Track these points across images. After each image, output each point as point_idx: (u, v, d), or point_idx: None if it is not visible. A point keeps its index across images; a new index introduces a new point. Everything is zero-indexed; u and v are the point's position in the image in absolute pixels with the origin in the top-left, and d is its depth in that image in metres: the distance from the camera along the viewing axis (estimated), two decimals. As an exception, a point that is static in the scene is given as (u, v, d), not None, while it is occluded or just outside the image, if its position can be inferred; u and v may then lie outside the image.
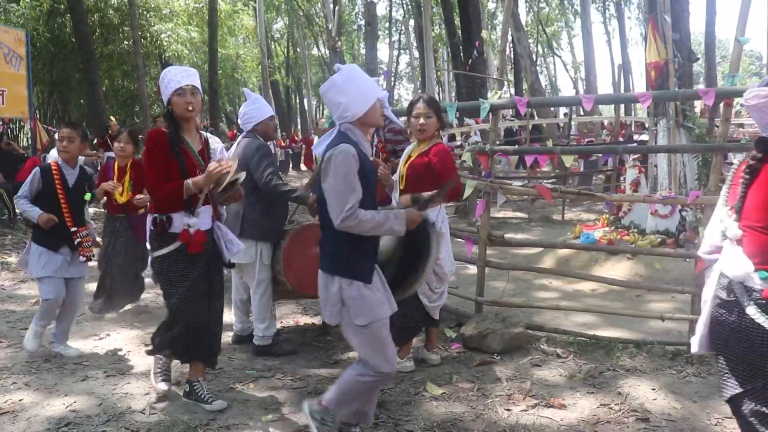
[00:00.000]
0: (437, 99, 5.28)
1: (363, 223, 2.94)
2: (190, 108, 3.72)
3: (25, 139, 19.02)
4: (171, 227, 3.70)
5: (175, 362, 4.21)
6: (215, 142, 4.08)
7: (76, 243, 4.72)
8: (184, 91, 3.68)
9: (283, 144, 24.50)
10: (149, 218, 3.81)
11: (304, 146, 23.93)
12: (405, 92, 55.07)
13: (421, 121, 4.40)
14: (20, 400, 3.99)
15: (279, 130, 18.04)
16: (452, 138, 13.82)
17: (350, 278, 3.06)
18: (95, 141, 15.56)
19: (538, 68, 31.66)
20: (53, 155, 11.99)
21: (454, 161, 4.57)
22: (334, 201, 2.96)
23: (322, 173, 3.02)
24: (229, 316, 5.36)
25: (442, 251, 4.54)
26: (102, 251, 5.79)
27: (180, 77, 3.70)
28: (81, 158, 5.60)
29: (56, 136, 5.23)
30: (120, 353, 4.91)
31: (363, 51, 34.23)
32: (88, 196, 4.90)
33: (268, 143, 5.07)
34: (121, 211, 5.77)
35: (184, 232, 3.69)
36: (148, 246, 3.89)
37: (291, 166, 25.00)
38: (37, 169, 4.71)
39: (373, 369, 3.13)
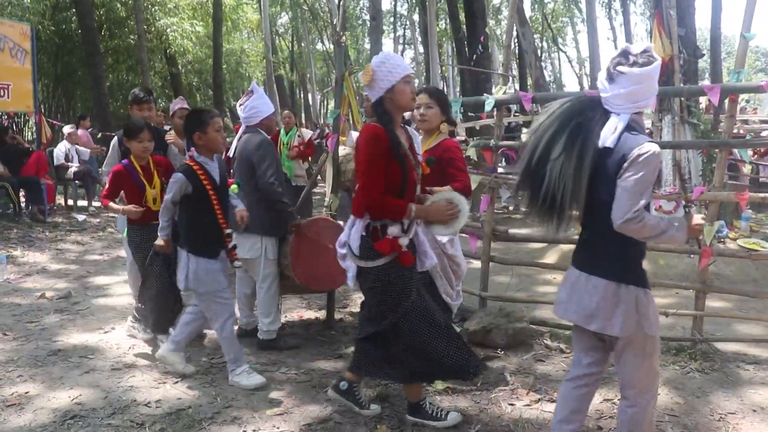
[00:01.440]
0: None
1: (647, 228, 2.60)
2: (414, 98, 3.45)
3: (30, 134, 19.06)
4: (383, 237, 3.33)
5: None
6: (416, 136, 3.72)
7: (231, 247, 4.29)
8: (411, 79, 3.37)
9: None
10: (358, 223, 3.37)
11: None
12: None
13: (422, 111, 4.34)
14: (26, 393, 4.02)
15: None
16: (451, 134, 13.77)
17: (642, 287, 2.76)
18: (99, 135, 15.61)
19: (543, 63, 31.61)
20: (60, 149, 12.12)
21: (464, 158, 4.54)
22: (624, 199, 2.60)
23: (627, 166, 2.62)
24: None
25: (457, 249, 4.56)
26: (141, 269, 4.81)
27: (405, 64, 3.36)
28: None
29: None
30: (125, 346, 4.93)
31: (368, 46, 34.23)
32: (234, 188, 4.50)
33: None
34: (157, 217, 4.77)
35: (383, 242, 3.29)
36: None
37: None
38: (179, 175, 4.12)
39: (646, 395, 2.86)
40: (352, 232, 3.40)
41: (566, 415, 2.97)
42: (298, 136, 8.72)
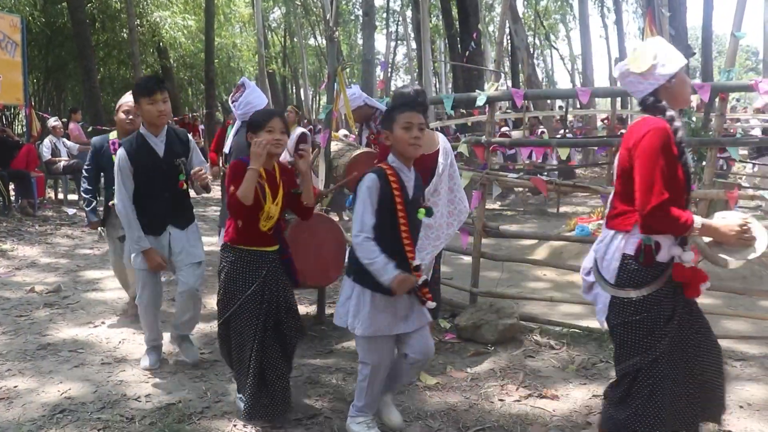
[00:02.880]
0: (431, 91, 5.20)
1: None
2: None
3: (19, 127, 18.95)
4: (657, 256, 2.73)
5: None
6: None
7: (420, 282, 3.20)
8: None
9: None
10: (619, 239, 2.79)
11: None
12: (402, 84, 54.98)
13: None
14: (15, 387, 4.00)
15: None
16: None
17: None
18: (90, 129, 15.52)
19: (535, 61, 31.63)
20: (47, 144, 12.01)
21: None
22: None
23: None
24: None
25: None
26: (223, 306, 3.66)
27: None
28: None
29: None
30: (115, 341, 4.92)
31: (360, 41, 34.17)
32: (422, 213, 3.27)
33: None
34: (274, 240, 3.67)
35: (678, 267, 2.74)
36: None
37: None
38: (372, 175, 3.13)
39: None
40: (607, 252, 2.84)
41: None
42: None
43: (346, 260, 3.29)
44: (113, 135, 5.20)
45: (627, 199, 2.75)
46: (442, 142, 4.49)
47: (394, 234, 3.15)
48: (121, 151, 4.07)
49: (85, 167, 5.27)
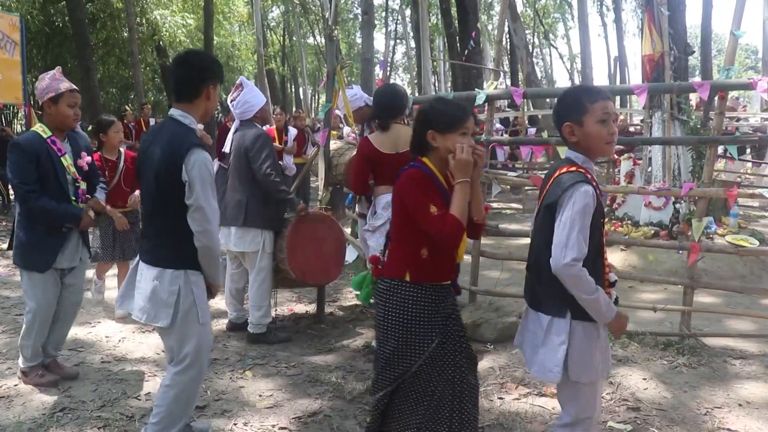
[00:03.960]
0: (430, 90, 5.19)
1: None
2: None
3: (19, 126, 18.93)
4: None
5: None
6: None
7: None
8: None
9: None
10: None
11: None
12: (401, 82, 54.96)
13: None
14: (15, 386, 4.01)
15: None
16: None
17: None
18: (89, 128, 15.51)
19: (534, 59, 31.61)
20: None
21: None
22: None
23: None
24: (222, 304, 5.40)
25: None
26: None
27: None
28: None
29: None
30: (115, 339, 4.92)
31: (359, 40, 34.15)
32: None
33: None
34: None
35: None
36: None
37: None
38: (589, 187, 2.46)
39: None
40: None
41: None
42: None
43: (554, 296, 2.52)
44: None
45: None
46: None
47: (598, 259, 2.55)
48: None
49: None
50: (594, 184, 2.50)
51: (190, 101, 2.98)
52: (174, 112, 2.98)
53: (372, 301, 3.09)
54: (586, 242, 2.41)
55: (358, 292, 3.61)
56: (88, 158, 4.11)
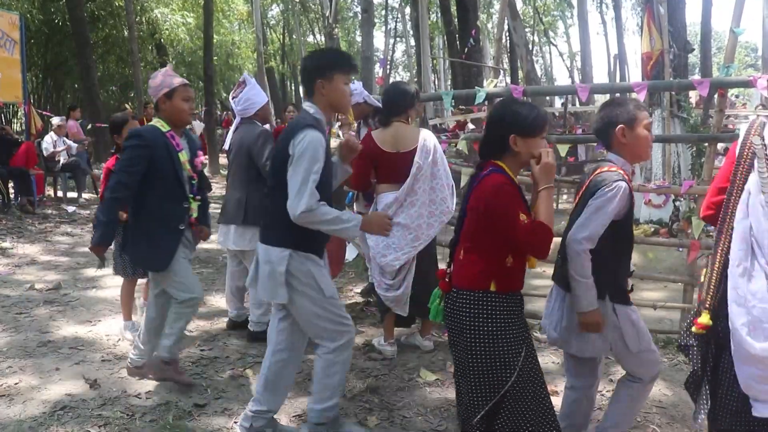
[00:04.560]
0: (430, 88, 5.19)
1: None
2: None
3: (19, 125, 18.92)
4: None
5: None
6: None
7: None
8: None
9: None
10: None
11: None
12: (401, 81, 54.92)
13: None
14: (16, 384, 4.01)
15: (274, 117, 17.93)
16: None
17: None
18: (89, 126, 15.52)
19: (534, 57, 31.63)
20: (48, 139, 11.99)
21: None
22: None
23: None
24: (222, 302, 5.40)
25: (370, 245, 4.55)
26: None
27: None
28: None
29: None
30: (115, 338, 4.93)
31: (359, 38, 34.14)
32: None
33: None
34: None
35: None
36: None
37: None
38: (624, 185, 2.70)
39: None
40: None
41: None
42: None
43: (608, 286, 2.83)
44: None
45: None
46: (425, 140, 4.38)
47: (625, 258, 2.98)
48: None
49: None
50: (630, 185, 2.75)
51: (311, 96, 3.18)
52: (304, 104, 3.23)
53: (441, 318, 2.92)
54: (601, 229, 2.68)
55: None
56: (204, 159, 4.15)
